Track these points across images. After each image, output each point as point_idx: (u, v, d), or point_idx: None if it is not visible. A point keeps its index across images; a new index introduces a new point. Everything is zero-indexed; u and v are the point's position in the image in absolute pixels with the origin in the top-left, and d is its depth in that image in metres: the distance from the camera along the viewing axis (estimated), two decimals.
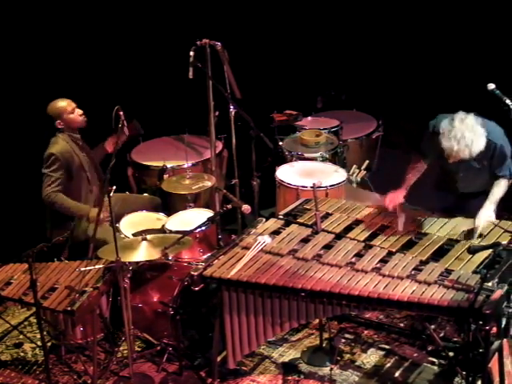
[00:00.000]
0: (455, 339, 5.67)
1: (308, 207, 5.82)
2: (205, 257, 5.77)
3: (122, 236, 5.91)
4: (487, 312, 4.45)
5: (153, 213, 6.37)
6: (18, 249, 5.22)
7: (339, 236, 5.38)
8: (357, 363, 5.63)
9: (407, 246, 5.21)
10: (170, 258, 5.74)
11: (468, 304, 4.50)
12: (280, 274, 5.02)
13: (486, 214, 5.29)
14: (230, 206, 5.68)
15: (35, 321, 5.83)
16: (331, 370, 5.52)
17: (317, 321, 5.74)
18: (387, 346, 5.78)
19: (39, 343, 5.76)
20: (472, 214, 5.39)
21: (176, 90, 7.40)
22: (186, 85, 6.32)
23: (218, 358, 5.43)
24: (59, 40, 7.48)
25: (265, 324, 5.11)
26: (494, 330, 4.74)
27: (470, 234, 5.28)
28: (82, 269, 5.34)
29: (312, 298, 4.91)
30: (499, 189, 5.41)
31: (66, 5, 7.48)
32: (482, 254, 4.93)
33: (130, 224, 6.16)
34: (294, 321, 5.06)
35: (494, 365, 4.71)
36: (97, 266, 5.39)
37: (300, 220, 5.64)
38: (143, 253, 5.27)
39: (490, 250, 4.81)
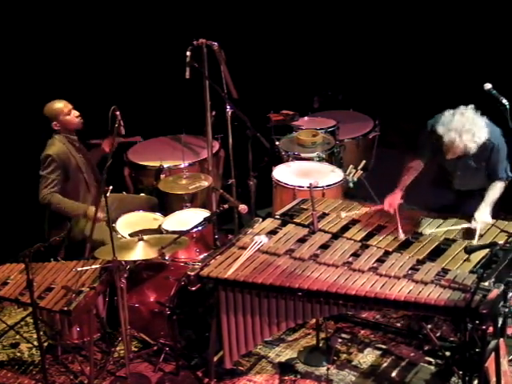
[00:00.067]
0: (452, 339, 5.68)
1: (305, 207, 5.82)
2: (201, 257, 5.77)
3: (119, 236, 5.91)
4: (484, 311, 4.45)
5: (149, 213, 6.37)
6: (14, 249, 5.22)
7: (336, 236, 5.39)
8: (353, 363, 5.63)
9: (404, 246, 5.21)
10: (166, 258, 5.74)
11: (465, 304, 4.51)
12: (277, 274, 5.02)
13: (483, 216, 5.29)
14: (226, 206, 5.68)
15: (32, 321, 5.82)
16: (328, 369, 5.51)
17: (313, 321, 5.75)
18: (384, 346, 5.78)
19: (36, 343, 5.75)
20: (468, 213, 5.40)
21: (173, 90, 7.40)
22: (183, 85, 6.32)
23: (215, 358, 5.43)
24: (55, 41, 7.49)
25: (261, 324, 5.11)
26: (491, 329, 4.75)
27: (468, 233, 5.28)
28: (79, 269, 5.34)
29: (309, 298, 4.92)
30: (495, 191, 5.40)
31: (62, 5, 7.48)
32: (478, 254, 4.94)
33: (126, 224, 6.15)
34: (290, 320, 5.06)
35: (490, 364, 4.71)
36: (93, 266, 5.38)
37: (297, 220, 5.65)
38: (140, 253, 5.26)
39: (487, 249, 4.82)
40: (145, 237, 5.35)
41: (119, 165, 6.95)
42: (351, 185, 6.78)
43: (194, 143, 7.23)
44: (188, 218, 6.14)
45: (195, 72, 6.34)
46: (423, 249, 5.15)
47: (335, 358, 5.65)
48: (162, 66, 7.75)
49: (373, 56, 8.78)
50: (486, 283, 4.63)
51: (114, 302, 5.61)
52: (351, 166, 7.00)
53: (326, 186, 6.37)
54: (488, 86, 5.20)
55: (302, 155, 6.95)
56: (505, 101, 5.15)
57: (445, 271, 4.87)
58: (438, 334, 5.70)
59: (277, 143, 7.15)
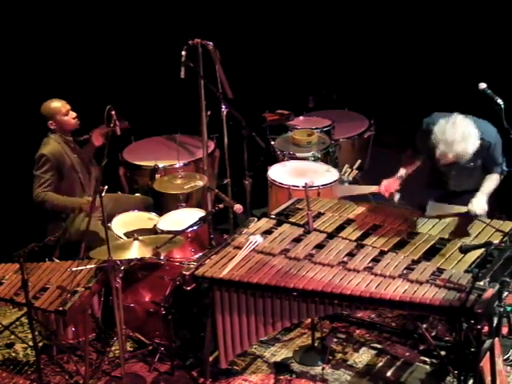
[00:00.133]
0: (447, 338, 5.67)
1: (300, 207, 5.82)
2: (196, 256, 5.77)
3: (115, 236, 5.91)
4: (479, 311, 4.46)
5: (144, 212, 6.37)
6: (9, 249, 5.21)
7: (331, 235, 5.39)
8: (349, 362, 5.64)
9: (399, 246, 5.21)
10: (161, 258, 5.74)
11: (460, 303, 4.51)
12: (272, 274, 5.02)
13: (479, 203, 5.30)
14: (221, 206, 5.69)
15: (27, 321, 5.80)
16: (323, 369, 5.52)
17: (309, 320, 5.75)
18: (379, 346, 5.78)
19: (31, 343, 5.74)
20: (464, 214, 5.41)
21: (168, 89, 7.39)
22: (178, 84, 6.32)
23: (210, 358, 5.43)
24: (50, 40, 7.47)
25: (257, 323, 5.11)
26: (486, 329, 4.75)
27: (459, 230, 5.28)
28: (74, 269, 5.32)
29: (304, 298, 4.92)
30: (491, 182, 5.43)
31: (58, 5, 7.47)
32: (473, 253, 4.94)
33: (121, 224, 6.15)
34: (286, 320, 5.06)
35: (485, 364, 4.71)
36: (88, 266, 5.37)
37: (292, 219, 5.64)
38: (135, 252, 5.26)
39: (482, 249, 4.82)
40: (140, 237, 5.35)
41: (114, 164, 6.94)
42: (346, 184, 6.78)
43: (189, 143, 7.23)
44: (183, 218, 6.14)
45: (190, 72, 6.34)
46: (418, 248, 5.15)
47: (330, 357, 5.65)
48: (157, 65, 7.74)
49: (368, 55, 8.77)
50: (481, 283, 4.64)
51: (109, 302, 5.61)
52: (346, 165, 7.00)
53: (322, 185, 6.37)
54: (483, 85, 5.20)
55: (298, 155, 6.96)
56: (500, 100, 5.15)
57: (440, 271, 4.87)
58: (433, 334, 5.70)
59: (272, 143, 7.15)
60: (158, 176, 6.75)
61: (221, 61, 6.51)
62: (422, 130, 5.40)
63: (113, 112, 5.32)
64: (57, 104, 6.07)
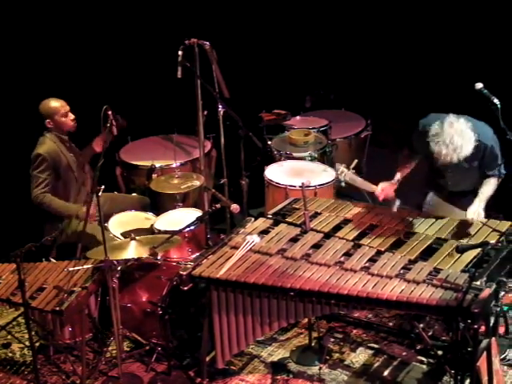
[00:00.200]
0: (444, 338, 5.68)
1: (297, 206, 5.82)
2: (193, 256, 5.77)
3: (111, 236, 5.90)
4: (476, 311, 4.46)
5: (141, 212, 6.36)
6: (6, 249, 5.21)
7: (328, 235, 5.39)
8: (346, 362, 5.64)
9: (396, 245, 5.21)
10: (158, 258, 5.73)
11: (456, 303, 4.51)
12: (269, 274, 5.02)
13: (476, 210, 5.30)
14: (218, 206, 5.68)
15: (23, 321, 5.81)
16: (320, 369, 5.52)
17: (306, 320, 5.75)
18: (376, 345, 5.78)
19: (27, 343, 5.73)
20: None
21: (164, 89, 7.39)
22: (175, 84, 6.31)
23: (207, 358, 5.43)
24: (46, 39, 7.46)
25: (254, 323, 5.11)
26: (483, 328, 4.75)
27: (458, 233, 5.28)
28: (71, 269, 5.33)
29: (301, 298, 4.91)
30: (489, 187, 5.42)
31: (55, 5, 7.46)
32: (470, 253, 4.94)
33: (118, 224, 6.15)
34: (282, 320, 5.06)
35: (482, 363, 4.72)
36: (85, 266, 5.37)
37: (289, 219, 5.64)
38: (132, 252, 5.26)
39: (479, 249, 4.82)
40: (137, 238, 5.35)
41: (111, 164, 6.93)
42: (343, 184, 6.77)
43: (186, 143, 7.22)
44: (180, 218, 6.13)
45: (187, 71, 6.35)
46: (415, 248, 5.15)
47: (327, 357, 5.66)
48: (154, 65, 7.74)
49: (364, 56, 8.77)
50: (478, 282, 4.64)
51: (106, 302, 5.59)
52: (343, 165, 6.99)
53: (318, 185, 6.37)
54: (479, 85, 5.20)
55: (294, 155, 6.95)
56: (496, 100, 5.15)
57: (437, 270, 4.87)
58: (430, 333, 5.70)
59: (269, 143, 7.15)
60: (154, 176, 6.75)
61: (217, 60, 6.51)
62: (419, 131, 5.40)
63: (109, 112, 5.32)
64: (57, 104, 6.06)
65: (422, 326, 5.66)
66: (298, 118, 7.63)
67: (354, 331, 5.95)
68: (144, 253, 5.27)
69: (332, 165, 6.98)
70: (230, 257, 5.20)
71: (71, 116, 6.11)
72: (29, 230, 6.24)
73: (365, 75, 8.78)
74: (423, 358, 5.58)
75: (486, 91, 5.19)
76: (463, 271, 4.84)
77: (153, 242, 5.30)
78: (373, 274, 4.90)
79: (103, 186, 5.07)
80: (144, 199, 6.66)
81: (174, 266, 5.76)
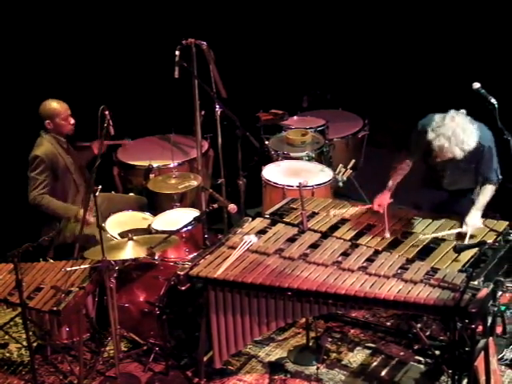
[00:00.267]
0: (441, 338, 5.68)
1: (294, 206, 5.82)
2: (191, 256, 5.77)
3: (109, 236, 5.90)
4: (473, 311, 4.46)
5: (139, 212, 6.36)
6: (3, 249, 5.20)
7: (325, 235, 5.39)
8: (343, 362, 5.64)
9: (393, 245, 5.22)
10: (156, 258, 5.73)
11: (454, 303, 4.52)
12: (266, 274, 5.02)
13: (473, 221, 5.28)
14: (216, 206, 5.68)
15: (21, 321, 5.79)
16: (318, 369, 5.52)
17: (303, 320, 5.74)
18: (373, 345, 5.78)
19: (25, 343, 5.73)
20: (458, 212, 5.41)
21: (162, 89, 7.38)
22: (172, 84, 6.31)
23: (205, 358, 5.43)
24: (43, 40, 7.46)
25: (251, 323, 5.11)
26: (480, 328, 4.76)
27: (460, 236, 5.27)
28: (68, 269, 5.33)
29: (298, 297, 4.92)
30: (485, 195, 5.37)
31: (52, 5, 7.46)
32: (467, 253, 4.94)
33: (116, 224, 6.14)
34: (280, 320, 5.06)
35: (479, 363, 4.72)
36: (83, 266, 5.37)
37: (286, 219, 5.65)
38: (129, 252, 5.26)
39: (476, 248, 4.83)
40: (134, 237, 5.34)
41: (108, 164, 6.93)
42: (341, 184, 6.78)
43: (184, 143, 7.22)
44: (177, 218, 6.13)
45: (184, 71, 6.34)
46: (412, 248, 5.15)
47: (325, 357, 5.66)
48: (151, 65, 7.74)
49: (362, 55, 8.78)
50: (476, 282, 4.65)
51: (103, 302, 5.60)
52: (341, 165, 7.00)
53: (316, 185, 6.37)
54: (476, 85, 5.19)
55: (292, 154, 6.96)
56: (493, 100, 5.15)
57: (434, 270, 4.88)
58: (427, 333, 5.71)
59: (266, 142, 7.15)
60: (152, 176, 6.74)
61: (215, 60, 6.50)
62: (418, 131, 5.36)
63: (106, 112, 5.32)
64: (59, 106, 6.05)
65: (419, 325, 5.66)
66: (295, 117, 7.63)
67: (352, 331, 5.96)
68: (141, 253, 5.26)
69: (329, 165, 6.99)
70: (228, 257, 5.20)
71: (71, 120, 6.11)
72: (26, 231, 6.23)
73: (362, 75, 8.78)
74: (421, 358, 5.59)
75: (483, 91, 5.19)
76: (461, 271, 4.85)
77: (150, 242, 5.29)
78: (370, 274, 4.90)
79: (100, 186, 5.07)
80: (141, 199, 6.66)
81: (171, 265, 5.76)
